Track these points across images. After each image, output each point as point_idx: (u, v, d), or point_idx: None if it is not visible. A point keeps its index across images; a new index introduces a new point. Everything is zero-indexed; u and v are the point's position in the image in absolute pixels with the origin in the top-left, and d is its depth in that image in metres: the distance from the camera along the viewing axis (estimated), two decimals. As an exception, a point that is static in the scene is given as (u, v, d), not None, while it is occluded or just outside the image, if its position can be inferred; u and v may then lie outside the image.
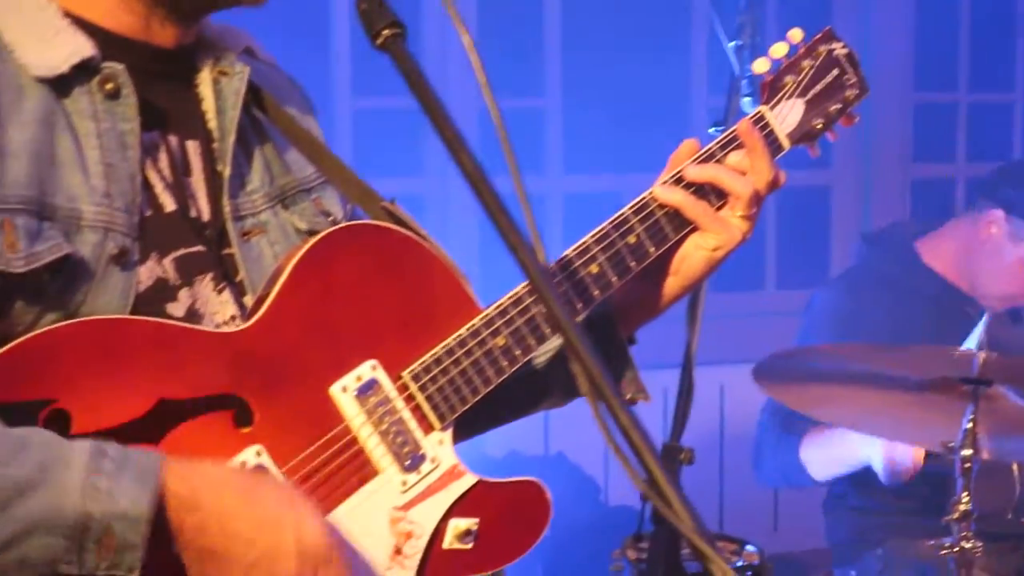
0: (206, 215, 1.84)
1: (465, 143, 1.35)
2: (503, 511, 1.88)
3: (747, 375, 3.78)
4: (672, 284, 2.05)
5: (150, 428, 1.67)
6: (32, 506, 1.53)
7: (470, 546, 1.86)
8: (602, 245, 1.96)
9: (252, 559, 1.60)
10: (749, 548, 3.24)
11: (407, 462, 1.82)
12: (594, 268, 1.95)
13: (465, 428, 1.91)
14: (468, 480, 1.86)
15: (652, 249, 1.99)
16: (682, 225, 2.00)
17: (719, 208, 2.00)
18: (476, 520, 1.85)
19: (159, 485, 1.57)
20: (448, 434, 1.86)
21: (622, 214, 1.98)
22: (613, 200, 4.72)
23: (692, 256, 2.03)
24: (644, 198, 1.99)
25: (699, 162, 2.01)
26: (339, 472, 1.78)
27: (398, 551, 1.81)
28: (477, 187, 1.34)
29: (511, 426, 2.13)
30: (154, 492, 1.56)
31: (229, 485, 1.62)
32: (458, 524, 1.85)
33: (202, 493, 1.60)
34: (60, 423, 1.63)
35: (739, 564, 3.02)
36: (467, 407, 1.86)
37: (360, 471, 1.80)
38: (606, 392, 1.25)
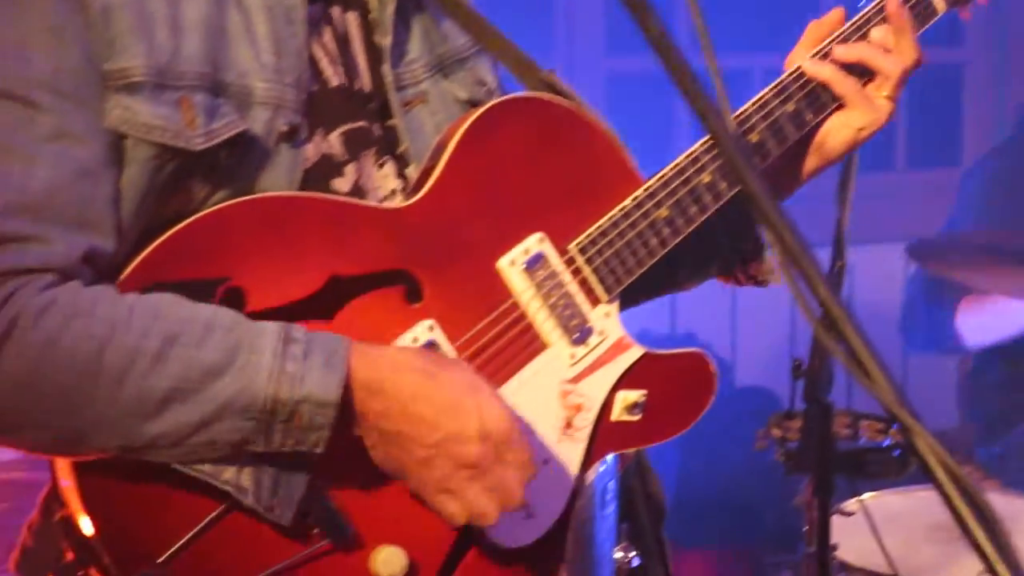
0: (368, 87, 1.83)
1: (651, 8, 1.33)
2: (670, 383, 1.88)
3: (876, 256, 3.74)
4: (810, 162, 2.03)
5: (322, 305, 1.68)
6: (222, 390, 1.57)
7: (638, 418, 1.86)
8: (762, 113, 1.94)
9: (434, 442, 1.62)
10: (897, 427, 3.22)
11: (575, 335, 1.82)
12: (754, 137, 1.94)
13: (625, 300, 1.90)
14: (635, 352, 1.86)
15: (810, 116, 1.97)
16: (832, 99, 1.97)
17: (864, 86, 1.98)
18: (644, 392, 1.86)
19: (346, 370, 1.59)
20: (614, 307, 1.85)
21: (781, 82, 1.96)
22: (738, 79, 4.65)
23: (836, 134, 2.00)
24: (796, 71, 1.97)
25: (845, 36, 1.98)
26: (509, 347, 1.78)
27: (569, 424, 1.82)
28: (664, 54, 1.32)
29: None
30: (342, 377, 1.59)
31: (412, 369, 1.64)
32: (627, 396, 1.85)
33: (386, 378, 1.62)
34: (235, 300, 1.64)
35: (886, 443, 3.00)
36: (632, 279, 1.85)
37: (530, 345, 1.80)
38: (804, 262, 1.23)
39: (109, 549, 1.61)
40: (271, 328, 1.60)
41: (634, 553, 3.47)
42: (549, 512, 1.80)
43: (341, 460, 1.67)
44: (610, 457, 3.27)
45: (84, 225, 1.60)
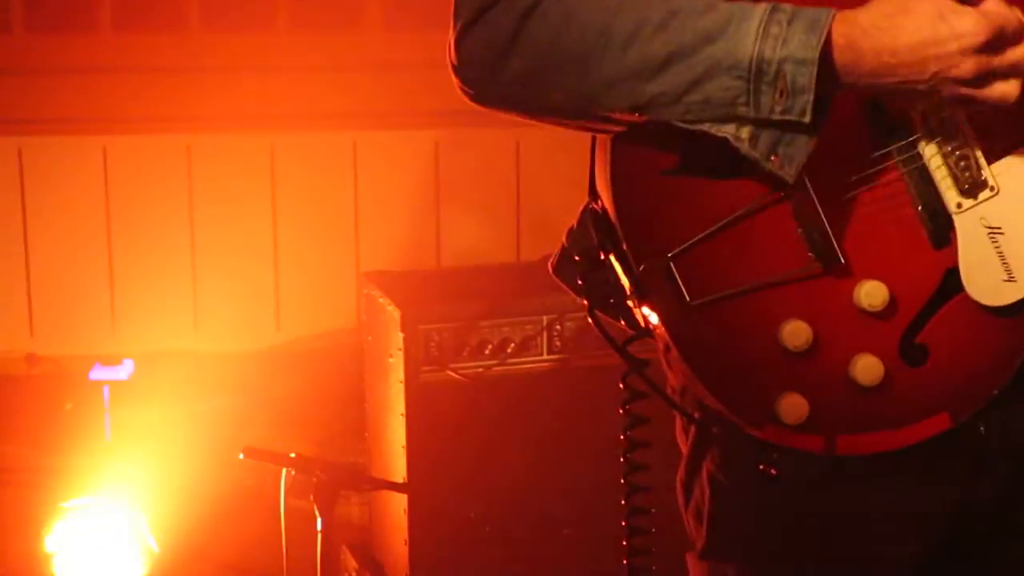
0: None
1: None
2: None
3: None
4: None
5: None
6: (714, 50, 1.77)
7: None
8: None
9: (929, 76, 1.75)
10: None
11: None
12: None
13: None
14: None
15: None
16: None
17: None
18: None
19: (827, 32, 1.75)
20: None
21: None
22: None
23: None
24: None
25: None
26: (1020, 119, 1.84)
27: None
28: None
29: None
30: (821, 37, 1.75)
31: (879, 25, 1.75)
32: None
33: (860, 41, 1.76)
34: None
35: None
36: None
37: None
38: None
39: (628, 236, 1.86)
40: (761, 3, 1.78)
41: None
42: None
43: (840, 195, 1.85)
44: None
45: None
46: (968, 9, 1.76)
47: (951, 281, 1.89)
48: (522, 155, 6.19)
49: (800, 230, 1.86)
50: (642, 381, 1.99)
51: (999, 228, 1.88)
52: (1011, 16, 1.76)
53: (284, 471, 3.56)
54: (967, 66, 1.74)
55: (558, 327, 4.08)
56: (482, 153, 6.18)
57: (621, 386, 2.01)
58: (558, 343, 4.09)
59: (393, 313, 4.05)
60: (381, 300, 4.18)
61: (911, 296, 1.88)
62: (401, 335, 3.99)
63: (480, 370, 4.05)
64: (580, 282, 1.96)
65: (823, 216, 1.85)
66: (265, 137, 6.17)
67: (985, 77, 1.75)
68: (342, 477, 3.57)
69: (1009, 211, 1.87)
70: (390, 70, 6.15)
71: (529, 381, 4.08)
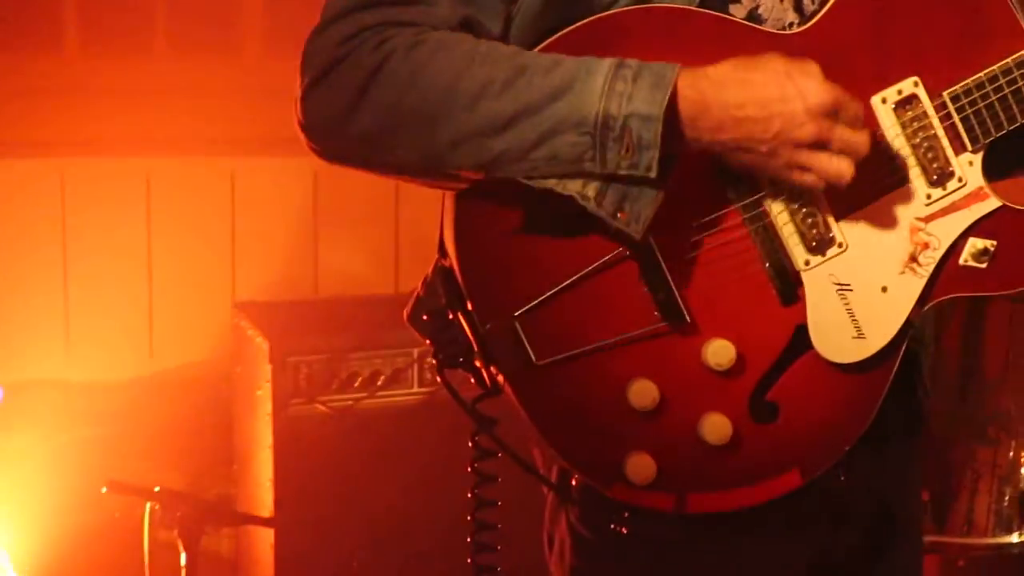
0: None
1: None
2: (1022, 237, 1.91)
3: None
4: None
5: None
6: (560, 107, 1.75)
7: (984, 266, 1.91)
8: None
9: (772, 135, 1.75)
10: None
11: (934, 177, 1.89)
12: None
13: (999, 161, 1.93)
14: (992, 203, 1.91)
15: None
16: None
17: None
18: (994, 242, 1.90)
19: (672, 90, 1.74)
20: (979, 157, 1.90)
21: None
22: None
23: None
24: None
25: None
26: (868, 177, 1.86)
27: (913, 258, 1.90)
28: None
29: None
30: (666, 94, 1.73)
31: (731, 81, 1.76)
32: (976, 243, 1.90)
33: (709, 94, 1.75)
34: None
35: None
36: (1000, 133, 1.89)
37: (888, 179, 1.88)
38: None
39: (473, 295, 1.83)
40: (608, 59, 1.77)
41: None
42: (879, 336, 1.89)
43: (686, 252, 1.84)
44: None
45: (470, 3, 1.84)
46: (815, 72, 1.76)
47: (801, 338, 1.88)
48: (402, 186, 6.12)
49: (646, 288, 1.84)
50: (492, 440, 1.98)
51: (848, 285, 1.87)
52: (851, 97, 1.77)
53: (148, 505, 3.50)
54: (808, 129, 1.75)
55: (429, 360, 4.04)
56: (362, 183, 6.10)
57: (470, 445, 2.00)
58: (429, 376, 4.07)
59: (262, 345, 4.01)
60: (250, 332, 4.13)
61: (760, 354, 1.88)
62: (269, 367, 3.95)
63: (350, 403, 4.02)
64: (429, 341, 1.93)
65: (668, 274, 1.83)
66: (141, 162, 6.09)
67: (823, 145, 1.76)
68: (207, 512, 3.52)
69: (858, 267, 1.87)
70: (269, 97, 6.05)
71: (399, 414, 4.06)
